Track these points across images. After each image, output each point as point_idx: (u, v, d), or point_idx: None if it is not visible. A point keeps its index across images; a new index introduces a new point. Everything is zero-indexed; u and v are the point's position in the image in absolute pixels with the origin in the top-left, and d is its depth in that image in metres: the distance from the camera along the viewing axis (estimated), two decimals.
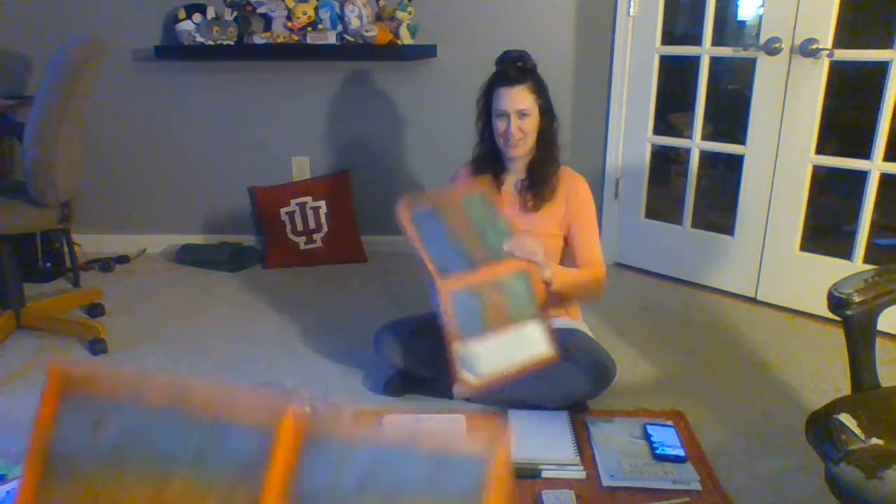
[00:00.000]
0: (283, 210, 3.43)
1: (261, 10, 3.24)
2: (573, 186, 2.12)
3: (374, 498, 0.66)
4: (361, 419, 0.70)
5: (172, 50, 3.27)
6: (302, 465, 0.69)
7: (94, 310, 2.84)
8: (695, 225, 3.12)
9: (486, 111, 2.10)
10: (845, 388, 1.54)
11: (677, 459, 1.83)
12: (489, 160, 2.16)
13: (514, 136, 2.04)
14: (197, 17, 3.23)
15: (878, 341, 1.51)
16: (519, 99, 2.02)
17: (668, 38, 3.12)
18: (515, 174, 2.16)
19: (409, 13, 3.18)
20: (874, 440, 1.29)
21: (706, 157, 3.13)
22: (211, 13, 3.25)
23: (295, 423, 0.69)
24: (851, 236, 2.69)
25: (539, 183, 2.11)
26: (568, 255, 2.17)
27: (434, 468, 0.67)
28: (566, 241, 2.16)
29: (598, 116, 3.26)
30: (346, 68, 3.36)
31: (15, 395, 2.21)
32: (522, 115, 2.03)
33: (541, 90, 2.06)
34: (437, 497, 0.66)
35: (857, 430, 1.30)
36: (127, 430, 0.70)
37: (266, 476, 0.69)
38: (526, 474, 1.77)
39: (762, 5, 2.74)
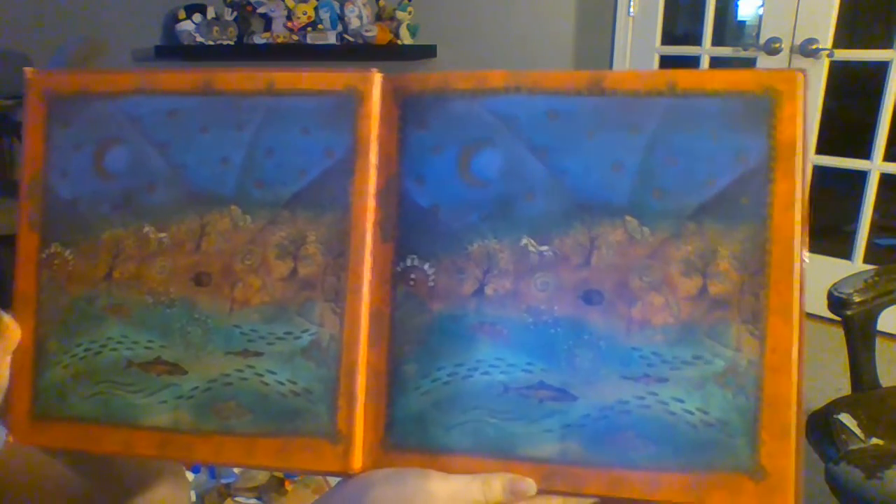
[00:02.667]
0: None
1: (261, 10, 3.24)
2: None
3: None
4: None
5: (172, 50, 3.27)
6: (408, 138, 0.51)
7: None
8: None
9: None
10: (845, 388, 1.54)
11: None
12: None
13: None
14: (197, 17, 3.23)
15: (878, 341, 1.51)
16: None
17: (669, 38, 3.12)
18: None
19: (409, 13, 3.18)
20: (874, 440, 1.29)
21: None
22: (211, 13, 3.25)
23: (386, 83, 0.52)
24: (851, 236, 2.69)
25: None
26: None
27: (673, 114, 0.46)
28: None
29: None
30: (346, 68, 3.36)
31: None
32: None
33: None
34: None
35: (857, 430, 1.30)
36: (140, 150, 0.53)
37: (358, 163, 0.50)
38: None
39: (762, 5, 2.74)
